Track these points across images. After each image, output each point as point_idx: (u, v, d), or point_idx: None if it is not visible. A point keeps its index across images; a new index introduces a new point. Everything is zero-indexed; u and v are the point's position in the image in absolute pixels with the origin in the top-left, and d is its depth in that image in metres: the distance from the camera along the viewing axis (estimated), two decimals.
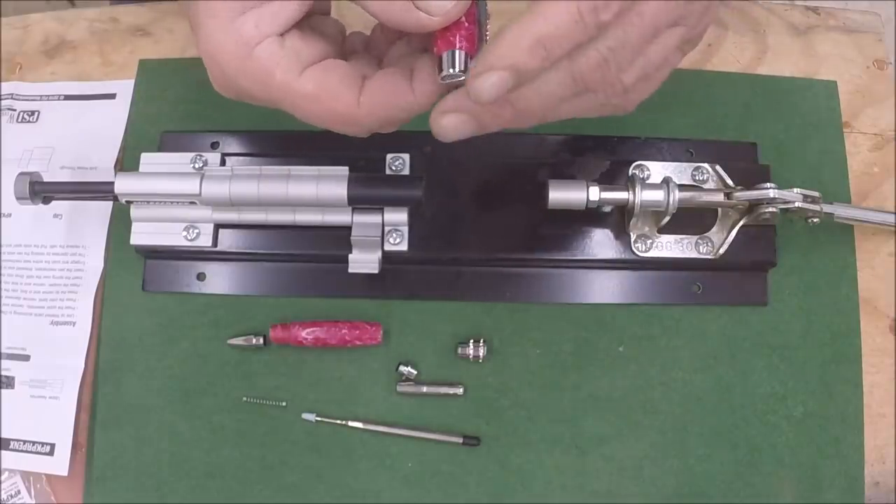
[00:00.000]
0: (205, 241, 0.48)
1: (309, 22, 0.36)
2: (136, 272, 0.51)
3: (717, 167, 0.49)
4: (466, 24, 0.33)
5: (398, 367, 0.49)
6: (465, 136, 0.35)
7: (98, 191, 0.47)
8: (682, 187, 0.46)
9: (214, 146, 0.52)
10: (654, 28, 0.33)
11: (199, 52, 0.35)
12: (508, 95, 0.32)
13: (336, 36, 0.38)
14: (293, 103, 0.34)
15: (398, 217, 0.47)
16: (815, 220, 0.48)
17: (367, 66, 0.38)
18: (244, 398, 0.49)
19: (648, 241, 0.48)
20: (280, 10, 0.33)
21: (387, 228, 0.48)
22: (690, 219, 0.48)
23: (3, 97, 0.56)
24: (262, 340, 0.49)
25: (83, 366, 0.50)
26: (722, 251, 0.48)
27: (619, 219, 0.49)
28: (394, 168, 0.49)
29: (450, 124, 0.34)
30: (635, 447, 0.48)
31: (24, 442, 0.49)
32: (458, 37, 0.33)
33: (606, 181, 0.48)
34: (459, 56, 0.33)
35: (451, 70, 0.33)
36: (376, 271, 0.46)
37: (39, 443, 0.48)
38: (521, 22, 0.31)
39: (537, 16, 0.31)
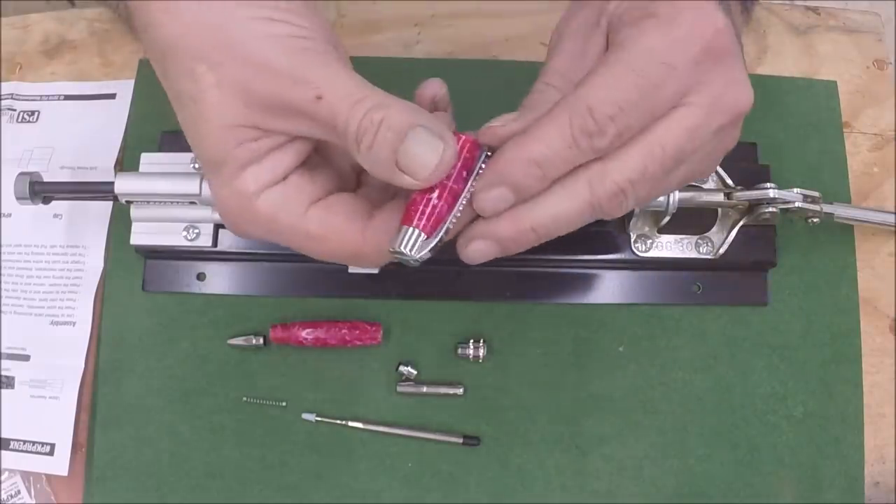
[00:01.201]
0: (205, 241, 0.48)
1: (315, 154, 0.35)
2: (136, 272, 0.51)
3: (717, 167, 0.49)
4: (436, 202, 0.31)
5: (398, 367, 0.49)
6: (491, 258, 0.34)
7: (98, 191, 0.47)
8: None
9: None
10: (675, 161, 0.33)
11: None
12: (529, 221, 0.32)
13: (344, 162, 0.37)
14: (301, 244, 0.34)
15: None
16: (815, 220, 0.48)
17: (377, 194, 0.37)
18: (244, 398, 0.49)
19: (648, 241, 0.48)
20: (278, 163, 0.33)
21: None
22: (690, 219, 0.48)
23: (3, 97, 0.56)
24: (262, 340, 0.49)
25: (83, 366, 0.50)
26: (722, 251, 0.48)
27: (619, 219, 0.49)
28: None
29: (476, 251, 0.33)
30: (635, 447, 0.48)
31: (24, 442, 0.49)
32: (419, 213, 0.31)
33: None
34: (412, 235, 0.31)
35: (399, 247, 0.31)
36: (376, 271, 0.46)
37: (39, 443, 0.48)
38: (517, 142, 0.31)
39: (531, 138, 0.31)
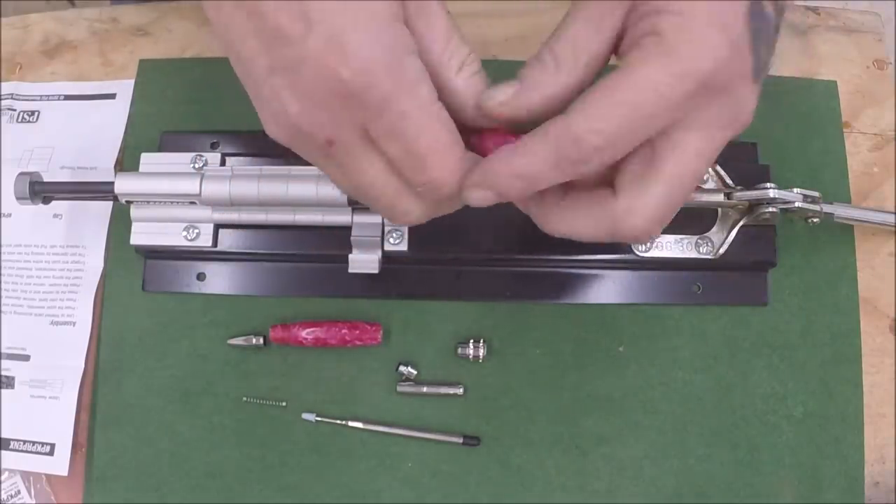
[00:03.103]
0: (205, 241, 0.48)
1: None
2: (136, 272, 0.51)
3: (717, 167, 0.48)
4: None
5: (398, 367, 0.49)
6: (492, 203, 0.35)
7: (98, 191, 0.47)
8: None
9: (214, 146, 0.52)
10: (694, 183, 0.35)
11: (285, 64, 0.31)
12: (552, 227, 0.37)
13: None
14: (417, 125, 0.32)
15: None
16: (815, 220, 0.48)
17: None
18: (244, 398, 0.49)
19: (648, 241, 0.48)
20: (435, 26, 0.33)
21: (387, 228, 0.48)
22: (690, 219, 0.48)
23: (3, 97, 0.56)
24: (262, 340, 0.49)
25: (83, 366, 0.50)
26: (722, 251, 0.48)
27: None
28: None
29: (476, 197, 0.35)
30: (635, 447, 0.48)
31: (24, 442, 0.49)
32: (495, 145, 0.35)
33: None
34: None
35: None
36: (376, 271, 0.46)
37: (39, 443, 0.48)
38: (504, 157, 0.33)
39: (519, 153, 0.33)
